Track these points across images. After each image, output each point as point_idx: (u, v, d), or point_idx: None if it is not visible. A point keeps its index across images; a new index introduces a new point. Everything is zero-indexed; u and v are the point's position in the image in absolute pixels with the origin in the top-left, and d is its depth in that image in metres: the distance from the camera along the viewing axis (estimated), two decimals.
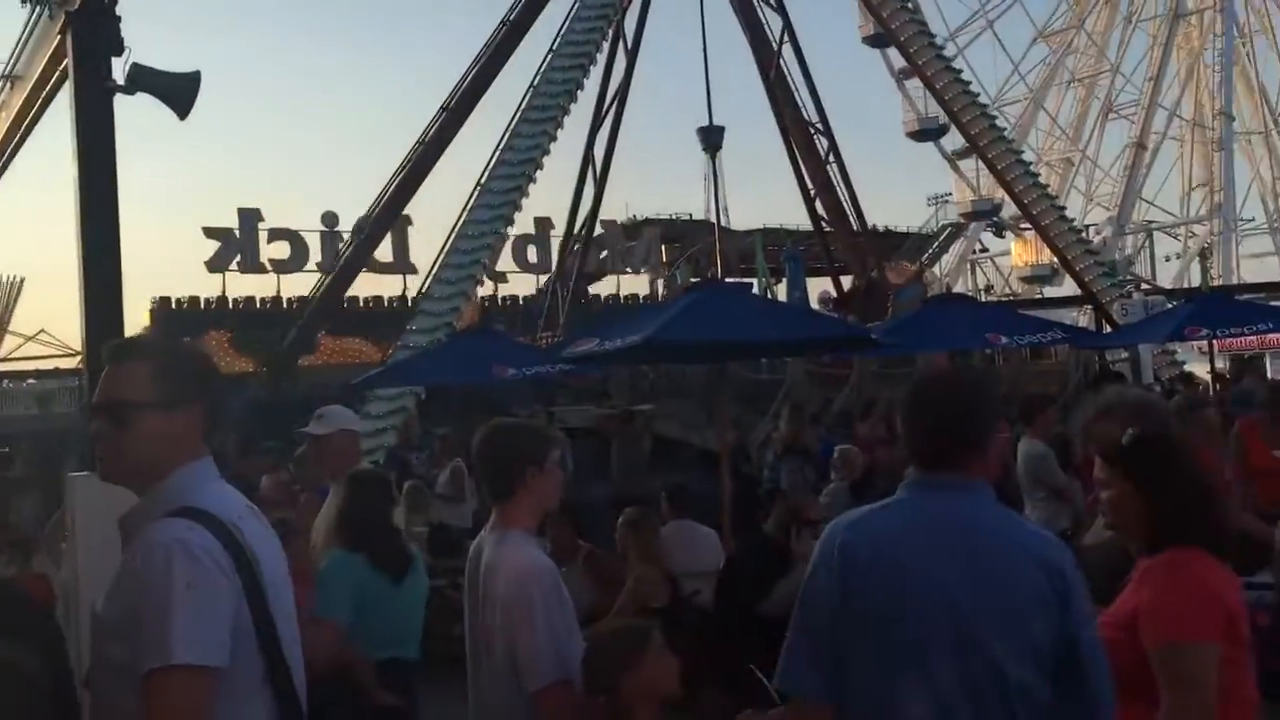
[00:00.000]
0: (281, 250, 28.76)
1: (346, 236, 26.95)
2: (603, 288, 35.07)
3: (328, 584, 4.36)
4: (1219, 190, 49.94)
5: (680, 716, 3.75)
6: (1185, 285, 43.33)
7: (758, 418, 16.47)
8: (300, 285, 28.57)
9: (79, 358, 9.25)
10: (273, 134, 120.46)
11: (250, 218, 28.43)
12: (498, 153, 22.81)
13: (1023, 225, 42.71)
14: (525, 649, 3.16)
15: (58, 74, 6.97)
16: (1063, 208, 29.29)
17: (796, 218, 36.35)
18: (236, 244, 28.25)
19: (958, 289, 40.90)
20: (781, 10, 29.43)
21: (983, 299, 36.20)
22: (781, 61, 29.50)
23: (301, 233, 28.94)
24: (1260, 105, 54.09)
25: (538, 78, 23.73)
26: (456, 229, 22.19)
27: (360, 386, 14.00)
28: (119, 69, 6.10)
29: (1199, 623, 2.75)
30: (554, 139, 23.10)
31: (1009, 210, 43.06)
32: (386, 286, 30.47)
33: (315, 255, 28.73)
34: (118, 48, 6.09)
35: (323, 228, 28.99)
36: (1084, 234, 30.59)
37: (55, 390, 25.40)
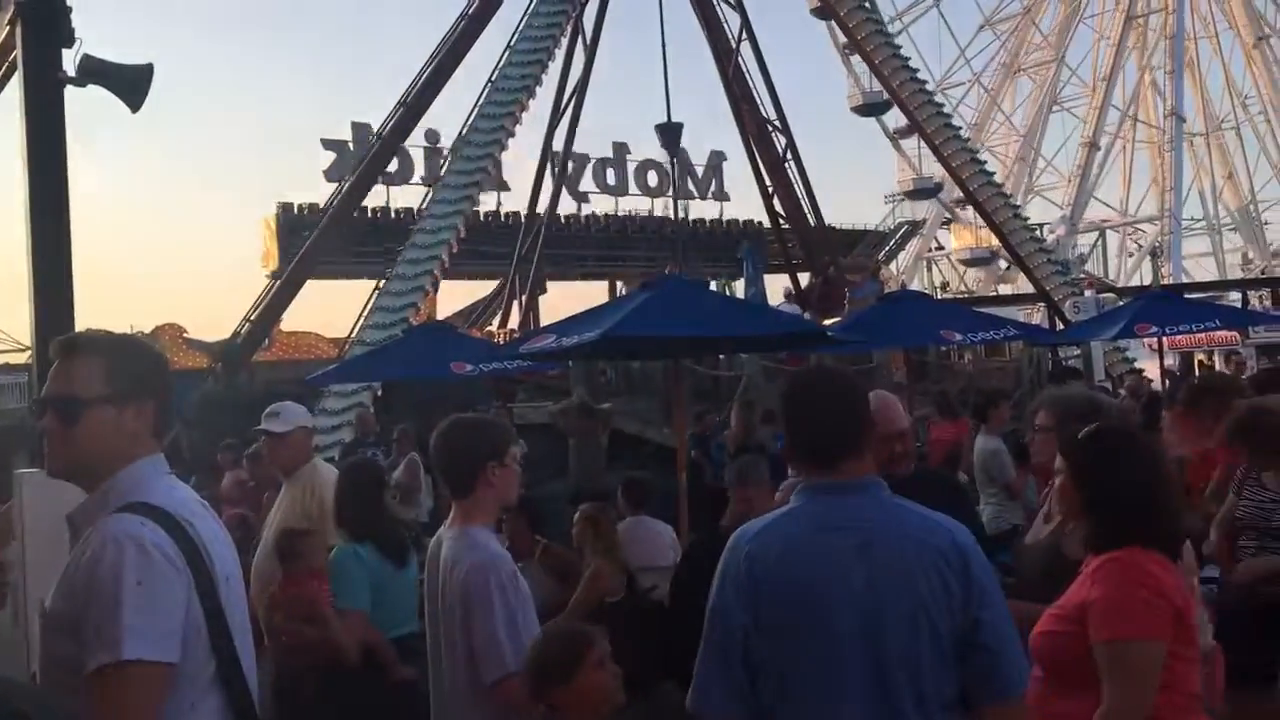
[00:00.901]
0: (390, 164, 29.26)
1: (447, 155, 27.36)
2: (561, 284, 35.26)
3: (345, 576, 4.60)
4: (1169, 190, 50.75)
5: (635, 712, 3.78)
6: (1137, 283, 44.06)
7: (716, 414, 16.52)
8: (409, 197, 31.54)
9: (28, 353, 9.11)
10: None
11: (363, 131, 30.22)
12: (454, 148, 22.72)
13: (962, 207, 43.18)
14: (484, 641, 3.19)
15: (5, 66, 6.84)
16: (1008, 195, 29.45)
17: (755, 214, 36.65)
18: (350, 156, 30.11)
19: (914, 286, 41.25)
20: (740, 8, 29.50)
21: (938, 296, 36.57)
22: (740, 59, 29.58)
23: (408, 148, 30.06)
24: (1220, 104, 55.16)
25: (495, 73, 23.66)
26: (416, 224, 22.09)
27: (316, 382, 13.90)
28: (69, 61, 6.01)
29: (1147, 621, 2.80)
30: (512, 134, 23.06)
31: (951, 193, 43.41)
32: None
33: (420, 170, 31.70)
34: (68, 39, 6.00)
35: (426, 144, 31.33)
36: (1037, 231, 30.95)
37: (5, 386, 25.00)
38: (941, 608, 2.48)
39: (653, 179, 38.23)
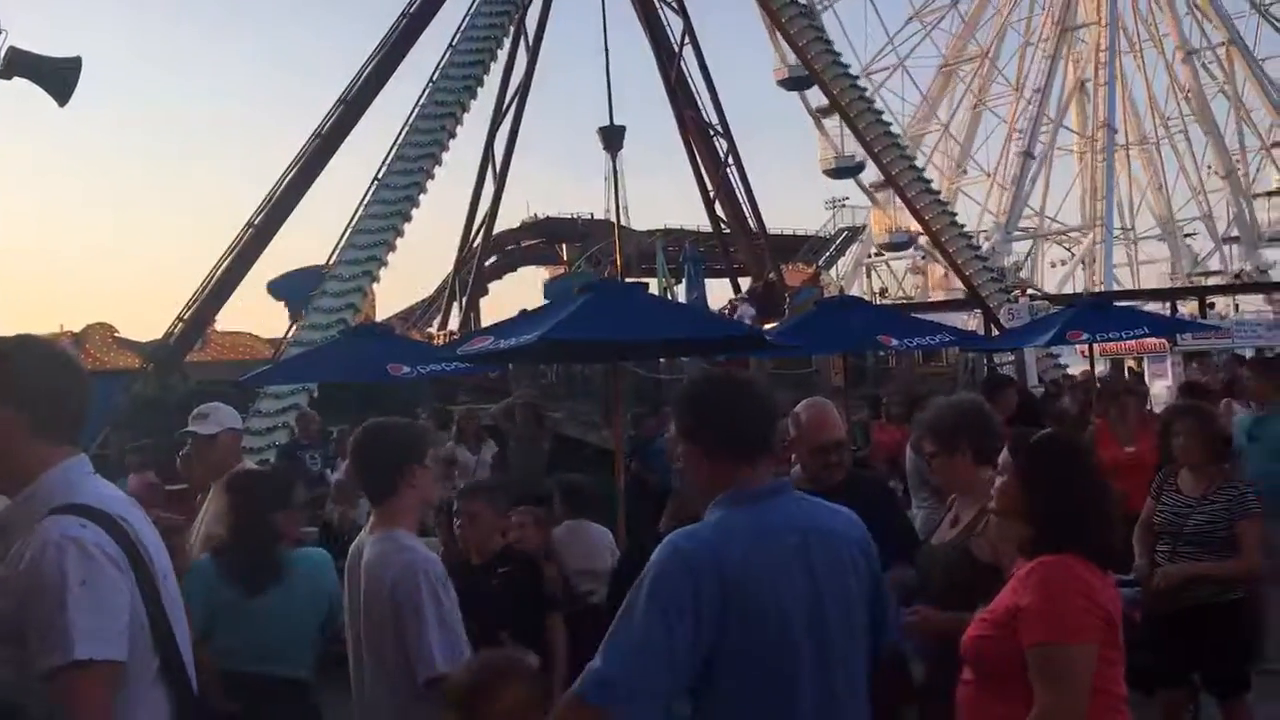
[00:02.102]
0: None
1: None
2: (502, 287, 34.98)
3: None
4: (1100, 199, 51.80)
5: None
6: (1069, 290, 44.90)
7: (653, 418, 16.53)
8: None
9: None
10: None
11: None
12: (395, 149, 22.52)
13: (879, 190, 43.45)
14: (417, 640, 3.17)
15: None
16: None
17: (697, 219, 36.74)
18: None
19: (853, 292, 41.61)
20: (683, 12, 29.61)
21: (877, 302, 36.96)
22: (682, 63, 29.68)
23: None
24: (1143, 119, 56.43)
25: (437, 73, 23.50)
26: (352, 225, 21.84)
27: (251, 383, 13.69)
28: None
29: (1080, 625, 2.84)
30: (453, 135, 22.91)
31: (871, 173, 43.64)
32: None
33: None
34: None
35: None
36: (974, 240, 31.44)
37: None
38: (864, 598, 2.63)
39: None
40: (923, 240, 42.22)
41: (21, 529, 2.21)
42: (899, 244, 50.04)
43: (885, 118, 29.69)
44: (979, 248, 31.62)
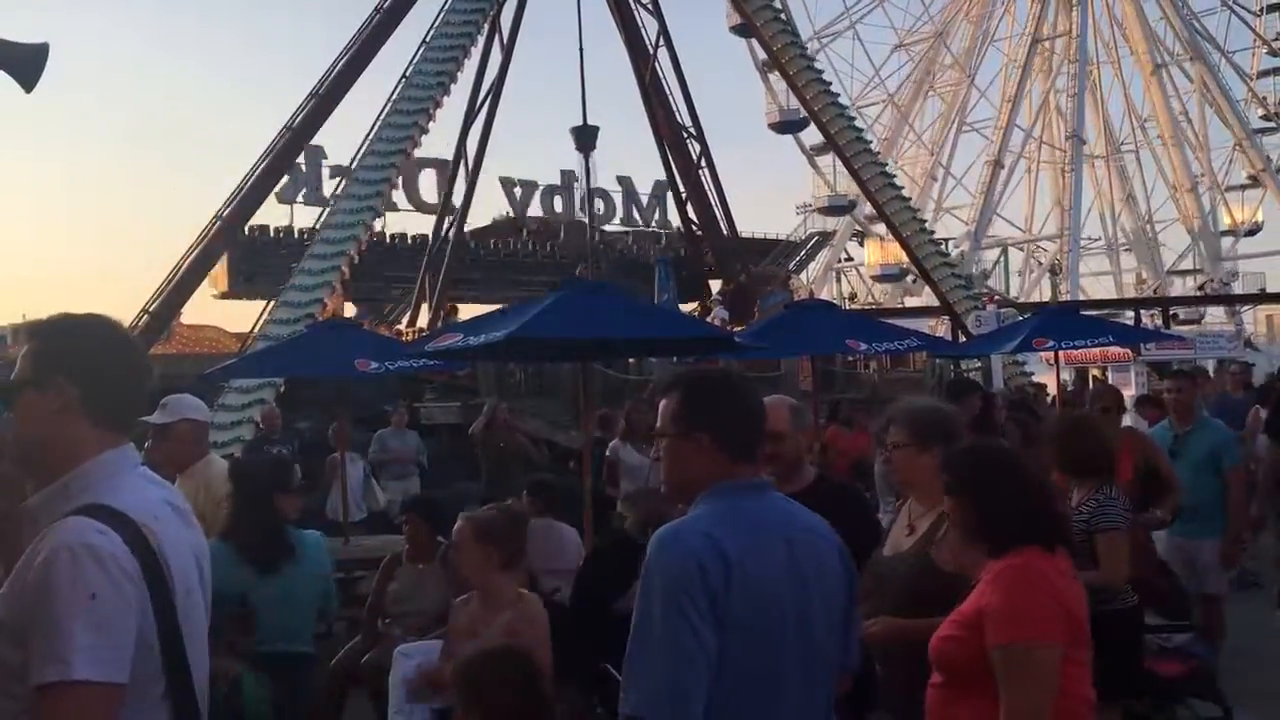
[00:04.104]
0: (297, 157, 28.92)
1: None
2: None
3: None
4: (1068, 209, 52.32)
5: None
6: (1037, 299, 45.30)
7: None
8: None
9: None
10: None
11: (315, 154, 30.02)
12: (367, 143, 22.41)
13: (875, 224, 44.04)
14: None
15: None
16: (916, 209, 30.20)
17: (669, 220, 36.70)
18: (303, 179, 30.26)
19: (822, 296, 41.78)
20: (658, 13, 29.62)
21: (846, 307, 37.13)
22: (657, 65, 29.69)
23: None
24: (1120, 128, 57.11)
25: (410, 68, 23.40)
26: (323, 218, 21.72)
27: (214, 376, 13.51)
28: None
29: (1043, 625, 2.87)
30: (425, 131, 22.83)
31: (864, 209, 44.31)
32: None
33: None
34: None
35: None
36: (942, 246, 31.68)
37: None
38: (840, 597, 2.63)
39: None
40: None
41: (47, 521, 2.12)
42: (890, 276, 50.57)
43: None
44: (949, 255, 31.89)
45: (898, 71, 56.86)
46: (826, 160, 46.37)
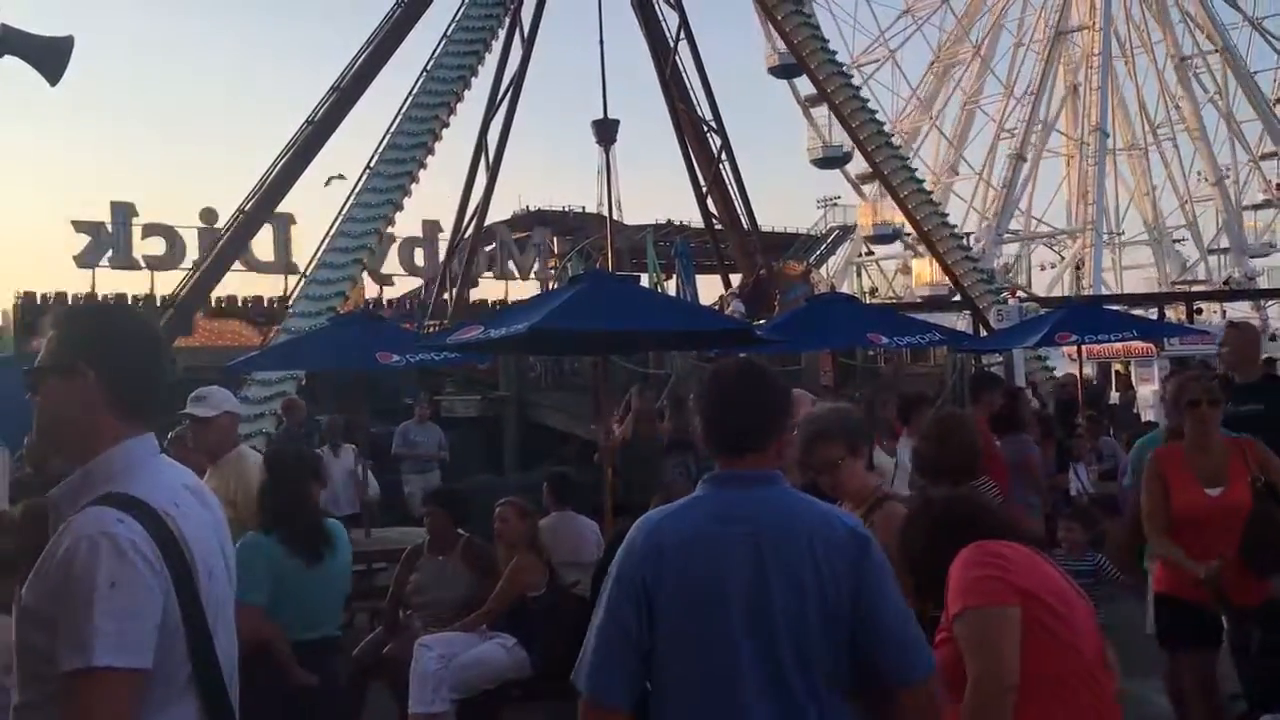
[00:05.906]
0: (156, 246, 27.38)
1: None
2: (490, 291, 34.46)
3: (243, 566, 4.36)
4: (1091, 203, 51.96)
5: (557, 704, 3.76)
6: (1058, 293, 45.08)
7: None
8: (175, 283, 26.58)
9: None
10: (151, 122, 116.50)
11: (123, 211, 27.19)
12: (388, 137, 22.46)
13: (866, 182, 44.09)
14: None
15: None
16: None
17: (689, 214, 36.66)
18: (109, 239, 26.89)
19: (843, 290, 41.64)
20: (679, 8, 29.52)
21: (867, 301, 36.98)
22: (677, 59, 29.61)
23: (178, 229, 27.57)
24: (1134, 124, 56.61)
25: (431, 63, 23.43)
26: (343, 212, 21.76)
27: (238, 369, 13.62)
28: None
29: (989, 589, 2.89)
30: (446, 125, 22.90)
31: (859, 165, 44.42)
32: (268, 285, 29.54)
33: (192, 253, 27.12)
34: None
35: (201, 224, 27.49)
36: (964, 240, 31.53)
37: None
38: (832, 596, 2.51)
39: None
40: (909, 235, 42.70)
41: (70, 510, 2.14)
42: (884, 236, 50.39)
43: (875, 111, 29.96)
44: (969, 248, 31.73)
45: (903, 31, 56.51)
46: (820, 111, 46.32)
